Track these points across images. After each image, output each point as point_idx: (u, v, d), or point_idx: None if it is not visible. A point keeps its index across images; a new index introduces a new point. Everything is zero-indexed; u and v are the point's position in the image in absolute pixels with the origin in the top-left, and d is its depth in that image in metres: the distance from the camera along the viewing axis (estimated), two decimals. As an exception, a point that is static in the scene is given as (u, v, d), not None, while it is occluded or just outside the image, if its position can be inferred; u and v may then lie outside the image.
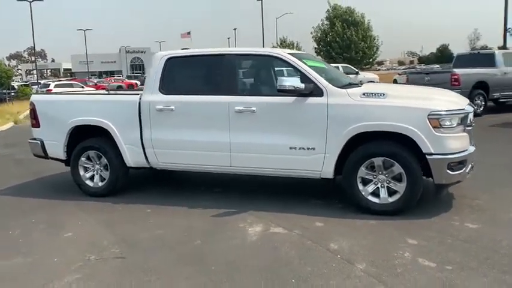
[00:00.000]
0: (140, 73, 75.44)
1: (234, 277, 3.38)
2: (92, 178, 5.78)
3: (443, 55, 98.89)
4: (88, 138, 5.78)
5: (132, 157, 5.50)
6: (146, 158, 5.47)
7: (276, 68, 5.62)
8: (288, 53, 5.08)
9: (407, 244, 3.85)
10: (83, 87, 30.24)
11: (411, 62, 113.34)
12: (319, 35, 39.84)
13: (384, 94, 4.59)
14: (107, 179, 5.67)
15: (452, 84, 12.12)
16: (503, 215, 4.55)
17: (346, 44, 34.79)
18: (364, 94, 4.62)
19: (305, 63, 4.93)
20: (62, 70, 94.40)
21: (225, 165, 5.13)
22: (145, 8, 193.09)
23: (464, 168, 4.49)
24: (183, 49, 5.89)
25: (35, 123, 6.02)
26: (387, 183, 4.58)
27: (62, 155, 5.88)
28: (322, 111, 4.64)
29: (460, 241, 3.89)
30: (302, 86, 4.62)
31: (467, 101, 4.97)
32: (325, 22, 39.88)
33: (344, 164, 4.69)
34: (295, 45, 46.11)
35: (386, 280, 3.22)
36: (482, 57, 14.00)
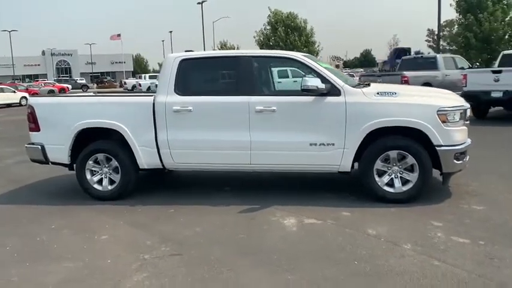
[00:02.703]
0: (68, 76, 71.70)
1: (300, 263, 3.59)
2: (100, 182, 5.66)
3: (366, 59, 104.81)
4: (92, 142, 5.67)
5: (145, 158, 5.49)
6: (160, 159, 5.49)
7: (293, 70, 5.89)
8: (304, 55, 5.39)
9: (434, 226, 4.31)
10: (14, 91, 28.37)
11: (337, 66, 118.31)
12: (261, 39, 40.82)
13: (395, 93, 5.05)
14: (117, 182, 5.59)
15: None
16: (497, 197, 5.20)
17: (289, 48, 35.93)
18: (378, 93, 5.04)
19: (320, 65, 5.27)
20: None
21: (244, 163, 5.31)
22: (71, 9, 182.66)
23: (466, 158, 5.08)
24: (186, 51, 5.94)
25: (34, 127, 5.77)
26: (400, 173, 5.04)
27: (66, 159, 5.70)
28: (341, 109, 4.99)
29: (476, 221, 4.42)
30: (323, 86, 4.95)
31: (463, 99, 5.59)
32: (267, 27, 40.98)
33: (359, 157, 5.10)
34: (235, 48, 46.77)
35: (437, 256, 3.62)
36: (425, 61, 15.28)
